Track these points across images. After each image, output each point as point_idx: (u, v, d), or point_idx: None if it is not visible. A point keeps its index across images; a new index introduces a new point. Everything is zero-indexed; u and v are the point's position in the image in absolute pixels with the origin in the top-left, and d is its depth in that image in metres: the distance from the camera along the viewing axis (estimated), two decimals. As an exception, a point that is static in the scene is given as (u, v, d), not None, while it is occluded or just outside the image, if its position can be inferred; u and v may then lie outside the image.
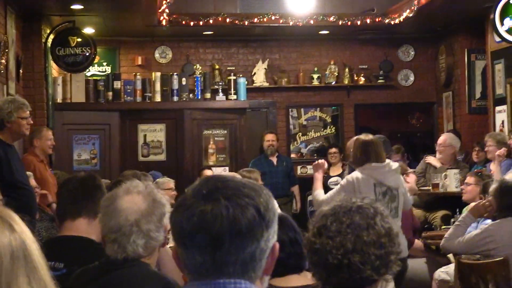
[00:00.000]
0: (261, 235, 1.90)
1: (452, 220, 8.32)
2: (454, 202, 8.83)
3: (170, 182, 8.50)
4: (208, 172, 10.47)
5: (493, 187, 6.40)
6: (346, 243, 2.41)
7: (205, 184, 1.93)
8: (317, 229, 2.47)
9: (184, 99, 11.77)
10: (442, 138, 10.02)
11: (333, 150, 11.60)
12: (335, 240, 2.42)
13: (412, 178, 8.06)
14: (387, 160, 6.70)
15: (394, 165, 6.72)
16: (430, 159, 10.08)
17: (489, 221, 6.46)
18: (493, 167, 9.02)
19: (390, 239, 2.46)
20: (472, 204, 7.14)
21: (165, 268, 3.70)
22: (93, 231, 3.77)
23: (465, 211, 8.04)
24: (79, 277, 3.21)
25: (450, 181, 9.31)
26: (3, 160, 5.88)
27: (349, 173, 6.83)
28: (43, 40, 10.33)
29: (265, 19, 11.84)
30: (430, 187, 9.56)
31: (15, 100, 6.39)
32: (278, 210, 6.33)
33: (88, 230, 3.78)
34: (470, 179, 8.17)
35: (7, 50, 8.77)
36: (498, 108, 10.93)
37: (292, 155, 13.13)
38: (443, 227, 8.40)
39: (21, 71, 9.77)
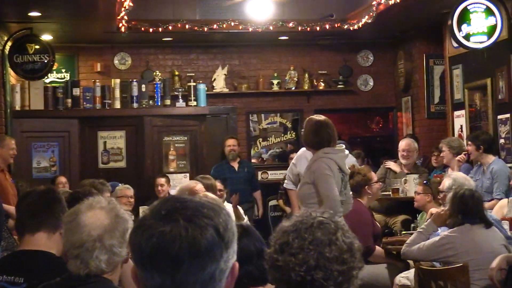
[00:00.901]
0: (221, 256, 1.90)
1: (412, 225, 8.39)
2: (414, 207, 8.89)
3: (127, 190, 8.46)
4: (161, 180, 10.44)
5: (449, 195, 6.49)
6: (309, 260, 2.41)
7: (164, 205, 1.93)
8: (279, 245, 2.47)
9: (144, 105, 11.71)
10: (406, 143, 10.04)
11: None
12: (297, 257, 2.42)
13: (375, 187, 8.07)
14: (341, 144, 6.85)
15: (346, 150, 6.82)
16: (390, 164, 10.15)
17: (446, 228, 6.52)
18: (451, 172, 9.11)
19: (352, 254, 2.46)
20: (433, 210, 7.23)
21: (127, 284, 3.68)
22: (53, 245, 3.74)
23: (421, 216, 8.18)
24: None
25: (410, 186, 9.38)
26: None
27: None
28: (0, 48, 10.23)
29: (224, 26, 11.84)
30: (390, 192, 9.62)
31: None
32: (246, 218, 6.35)
33: (48, 244, 3.74)
34: (419, 188, 8.28)
35: (-37, 58, 8.68)
36: (456, 113, 11.04)
37: (253, 160, 13.14)
38: (403, 232, 8.45)
39: (-22, 79, 9.67)
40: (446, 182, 7.27)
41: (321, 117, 6.69)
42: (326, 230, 2.43)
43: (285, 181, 9.23)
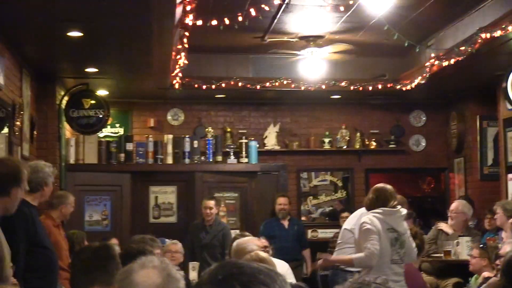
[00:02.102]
0: None
1: (464, 288, 8.27)
2: (466, 270, 8.76)
3: (172, 245, 8.47)
4: (210, 203, 10.44)
5: (503, 260, 6.37)
6: None
7: (221, 270, 1.93)
8: None
9: (196, 161, 11.81)
10: (455, 205, 9.97)
11: (345, 214, 11.53)
12: None
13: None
14: (398, 206, 7.07)
15: (403, 211, 7.19)
16: (442, 225, 10.03)
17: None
18: (504, 235, 8.97)
19: None
20: (485, 274, 7.13)
21: None
22: (106, 301, 3.77)
23: (474, 280, 8.04)
24: None
25: (462, 249, 9.25)
26: (29, 220, 5.87)
27: None
28: (57, 102, 10.41)
29: (277, 84, 11.92)
30: (442, 254, 9.50)
31: (51, 166, 6.42)
32: (292, 276, 6.31)
33: (101, 301, 3.77)
34: (475, 252, 8.16)
35: (22, 112, 8.84)
36: (510, 176, 10.89)
37: (303, 218, 13.10)
38: (455, 295, 8.33)
39: (35, 132, 9.83)
40: (507, 248, 7.13)
41: (380, 184, 7.26)
42: None
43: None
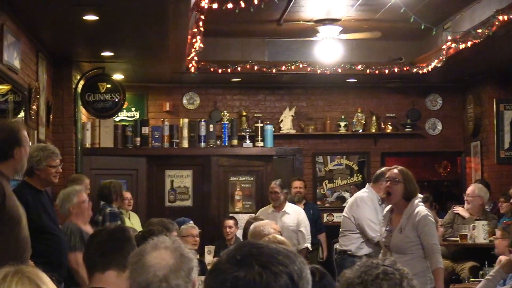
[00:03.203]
0: None
1: (481, 272, 8.25)
2: (482, 254, 8.75)
3: (192, 229, 8.46)
4: (229, 222, 10.48)
5: None
6: None
7: (240, 250, 1.93)
8: None
9: (211, 145, 11.82)
10: (471, 189, 9.95)
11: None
12: None
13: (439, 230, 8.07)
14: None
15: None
16: (458, 209, 10.01)
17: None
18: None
19: None
20: (502, 257, 7.08)
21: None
22: (122, 283, 3.76)
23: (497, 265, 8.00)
24: None
25: (478, 232, 9.23)
26: (30, 204, 5.89)
27: None
28: (73, 86, 10.43)
29: (292, 67, 11.89)
30: (458, 238, 9.48)
31: (45, 148, 6.42)
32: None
33: (117, 283, 3.77)
34: (498, 233, 8.14)
35: (38, 96, 8.87)
36: (527, 159, 10.87)
37: (318, 202, 13.09)
38: (471, 279, 8.31)
39: (51, 116, 9.86)
40: None
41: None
42: (392, 281, 2.39)
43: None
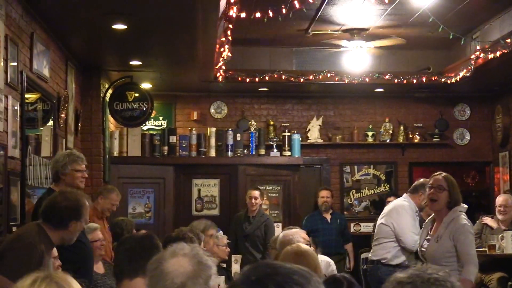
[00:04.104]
0: None
1: (509, 283, 8.19)
2: (511, 264, 8.68)
3: (224, 238, 8.47)
4: (255, 193, 10.46)
5: None
6: None
7: (255, 271, 1.91)
8: None
9: (239, 154, 11.84)
10: (504, 198, 9.81)
11: (391, 198, 11.31)
12: None
13: None
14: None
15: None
16: (486, 219, 9.94)
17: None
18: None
19: None
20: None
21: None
22: (150, 290, 3.78)
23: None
24: None
25: (507, 243, 9.16)
26: None
27: None
28: (101, 95, 10.49)
29: (320, 77, 11.89)
30: (486, 249, 9.41)
31: (71, 154, 6.48)
32: (334, 268, 6.28)
33: (145, 290, 3.78)
34: None
35: (67, 105, 8.93)
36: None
37: (345, 212, 13.06)
38: (499, 290, 8.26)
39: (79, 125, 9.92)
40: None
41: None
42: None
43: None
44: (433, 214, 6.56)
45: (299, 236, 5.94)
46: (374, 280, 8.09)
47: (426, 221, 6.74)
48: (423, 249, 6.47)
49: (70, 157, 6.36)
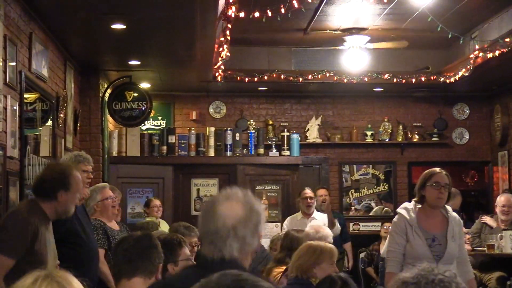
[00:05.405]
0: None
1: (508, 282, 8.20)
2: (509, 264, 8.69)
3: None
4: (309, 193, 10.39)
5: None
6: None
7: (225, 276, 1.92)
8: None
9: (238, 154, 11.84)
10: (506, 198, 9.76)
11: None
12: None
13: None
14: None
15: None
16: (486, 219, 9.94)
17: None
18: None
19: None
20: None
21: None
22: (149, 290, 3.79)
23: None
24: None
25: (506, 242, 9.17)
26: None
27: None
28: (100, 95, 10.49)
29: (319, 76, 11.89)
30: (485, 248, 9.42)
31: (78, 155, 6.57)
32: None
33: (144, 289, 3.79)
34: None
35: (65, 105, 8.93)
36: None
37: (344, 212, 13.06)
38: (498, 289, 8.26)
39: (78, 124, 9.92)
40: None
41: None
42: None
43: None
44: (404, 211, 6.16)
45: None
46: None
47: (395, 219, 6.24)
48: (430, 248, 6.07)
49: (77, 157, 6.45)
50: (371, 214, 13.16)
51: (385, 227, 11.18)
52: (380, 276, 8.50)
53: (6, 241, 4.64)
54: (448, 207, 6.20)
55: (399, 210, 6.16)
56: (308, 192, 10.23)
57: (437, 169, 6.24)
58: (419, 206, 6.08)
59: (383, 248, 8.57)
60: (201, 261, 3.18)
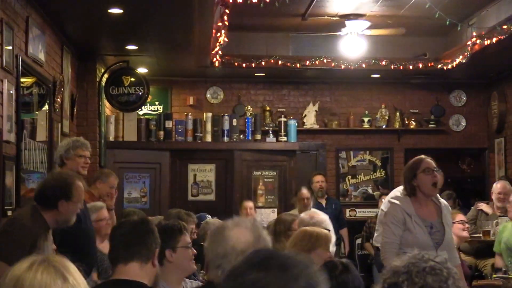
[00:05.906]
0: None
1: (503, 268, 8.20)
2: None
3: (249, 202, 8.48)
4: (248, 204, 10.50)
5: None
6: None
7: (257, 253, 1.93)
8: (388, 285, 2.43)
9: (235, 140, 11.83)
10: (502, 185, 9.77)
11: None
12: None
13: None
14: None
15: None
16: (482, 205, 9.96)
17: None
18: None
19: None
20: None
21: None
22: (145, 275, 3.79)
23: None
24: None
25: (502, 229, 9.18)
26: None
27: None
28: (97, 79, 10.47)
29: (317, 62, 11.87)
30: (481, 234, 9.44)
31: (76, 140, 6.60)
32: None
33: (140, 274, 3.79)
34: None
35: (62, 89, 8.91)
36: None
37: (341, 198, 13.08)
38: (494, 275, 8.27)
39: (75, 109, 9.91)
40: None
41: None
42: (438, 277, 2.37)
43: None
44: (398, 201, 6.11)
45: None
46: (379, 266, 8.18)
47: (389, 209, 6.16)
48: (430, 236, 6.05)
49: (74, 142, 6.47)
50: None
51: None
52: (376, 266, 8.49)
53: (6, 247, 4.62)
54: (437, 195, 6.22)
55: (391, 200, 6.12)
56: (304, 193, 10.23)
57: (422, 156, 6.24)
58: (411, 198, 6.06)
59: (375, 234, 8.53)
60: (207, 285, 3.22)
